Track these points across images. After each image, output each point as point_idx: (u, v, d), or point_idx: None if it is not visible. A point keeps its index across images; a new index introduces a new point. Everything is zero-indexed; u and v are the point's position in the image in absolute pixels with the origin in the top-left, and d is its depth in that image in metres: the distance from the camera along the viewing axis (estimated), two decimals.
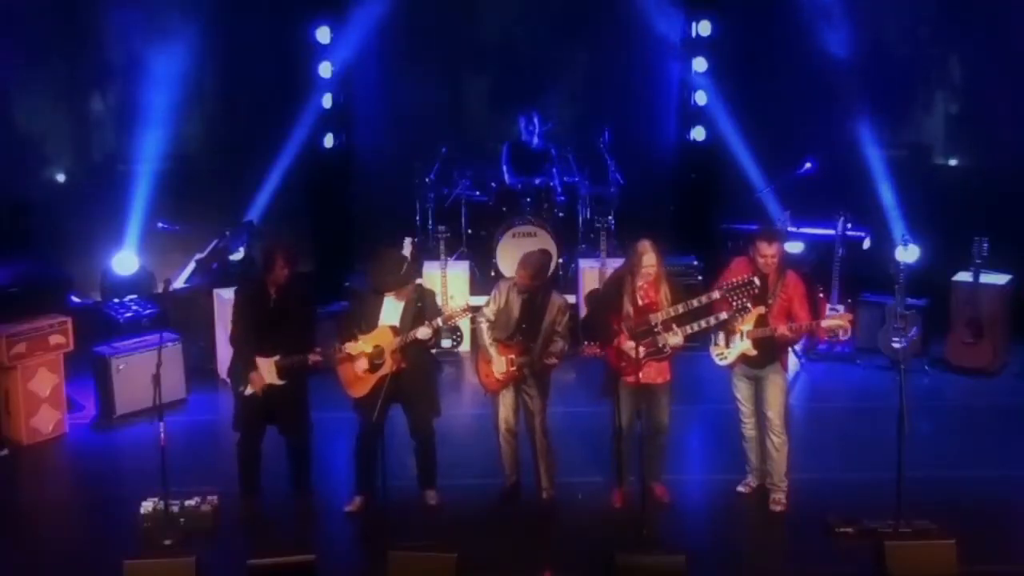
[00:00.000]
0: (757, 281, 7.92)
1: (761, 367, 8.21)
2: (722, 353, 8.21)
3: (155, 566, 7.09)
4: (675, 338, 8.07)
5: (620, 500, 8.45)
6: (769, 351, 8.16)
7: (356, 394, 8.24)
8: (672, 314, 8.06)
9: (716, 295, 8.00)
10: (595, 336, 8.37)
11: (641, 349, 8.01)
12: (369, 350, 8.12)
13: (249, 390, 8.19)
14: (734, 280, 7.94)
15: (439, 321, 8.16)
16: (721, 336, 8.21)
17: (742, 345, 8.11)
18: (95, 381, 10.22)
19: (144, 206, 12.61)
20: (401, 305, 8.18)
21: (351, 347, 8.15)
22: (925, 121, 13.01)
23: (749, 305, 7.93)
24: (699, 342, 8.44)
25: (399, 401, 8.28)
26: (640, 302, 8.13)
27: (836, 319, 8.29)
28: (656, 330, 8.06)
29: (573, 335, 8.59)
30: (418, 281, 8.38)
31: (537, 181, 12.54)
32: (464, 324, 11.25)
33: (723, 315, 8.04)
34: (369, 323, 8.21)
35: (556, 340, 8.23)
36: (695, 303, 8.04)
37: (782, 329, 8.01)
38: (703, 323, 8.08)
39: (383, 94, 13.50)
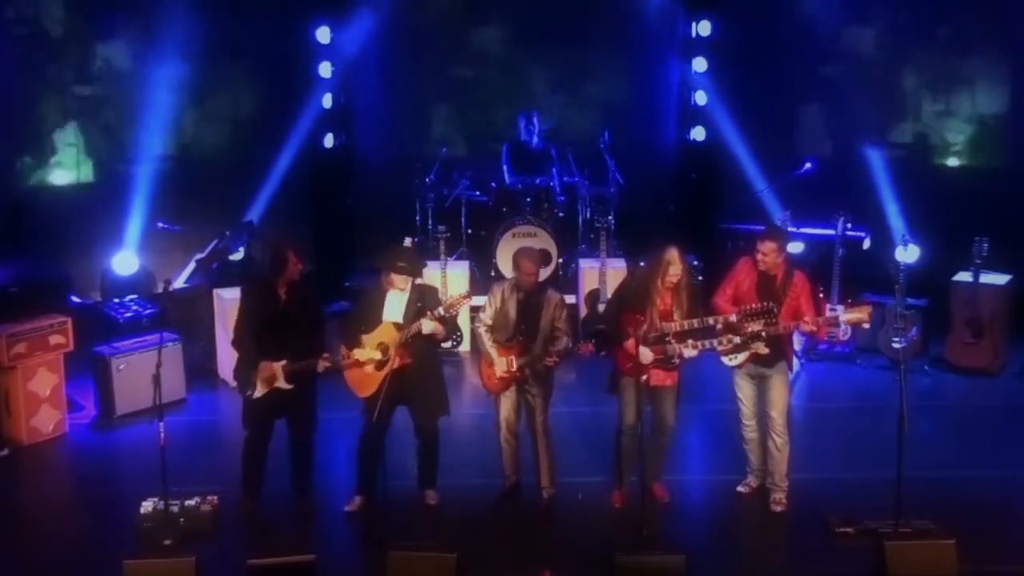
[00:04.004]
0: (777, 310, 7.91)
1: (770, 365, 8.20)
2: (732, 355, 8.22)
3: (155, 566, 7.10)
4: (689, 351, 8.05)
5: (620, 500, 8.45)
6: (779, 349, 8.17)
7: (364, 393, 8.18)
8: (686, 327, 8.05)
9: (733, 318, 7.98)
10: (606, 334, 8.35)
11: (651, 355, 8.02)
12: (377, 353, 8.08)
13: (258, 393, 8.11)
14: (753, 306, 7.92)
15: (441, 311, 8.09)
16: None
17: (755, 345, 8.07)
18: (95, 381, 10.22)
19: (144, 206, 12.60)
20: (405, 299, 8.14)
21: (359, 354, 8.09)
22: (925, 121, 13.00)
23: (764, 334, 7.93)
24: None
25: (406, 403, 8.23)
26: (657, 308, 8.12)
27: (857, 312, 8.24)
28: (668, 340, 8.06)
29: (573, 332, 8.57)
30: (418, 281, 8.34)
31: (537, 181, 12.54)
32: (465, 324, 11.25)
33: (736, 339, 8.02)
34: (372, 318, 8.16)
35: (560, 337, 8.18)
36: (711, 321, 8.04)
37: (802, 324, 8.01)
38: (715, 343, 8.07)
39: (383, 94, 13.50)
